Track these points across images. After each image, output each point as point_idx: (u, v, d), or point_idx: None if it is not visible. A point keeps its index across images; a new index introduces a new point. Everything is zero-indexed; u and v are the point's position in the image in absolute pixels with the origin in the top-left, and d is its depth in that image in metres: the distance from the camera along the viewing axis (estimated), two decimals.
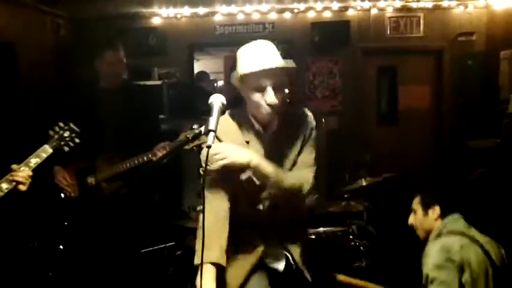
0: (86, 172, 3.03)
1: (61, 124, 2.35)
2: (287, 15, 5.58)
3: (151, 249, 3.59)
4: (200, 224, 1.75)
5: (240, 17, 5.56)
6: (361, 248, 3.38)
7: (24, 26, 4.37)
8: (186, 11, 5.47)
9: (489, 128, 5.12)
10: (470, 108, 5.57)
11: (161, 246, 3.56)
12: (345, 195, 3.74)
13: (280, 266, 2.03)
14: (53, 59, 4.91)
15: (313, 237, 3.21)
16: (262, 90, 1.83)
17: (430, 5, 5.53)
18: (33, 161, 2.19)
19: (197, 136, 2.03)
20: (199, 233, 1.79)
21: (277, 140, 1.97)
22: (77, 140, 2.36)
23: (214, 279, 1.79)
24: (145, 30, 5.52)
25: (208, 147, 1.58)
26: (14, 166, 2.15)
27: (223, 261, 1.84)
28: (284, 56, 1.91)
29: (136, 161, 2.88)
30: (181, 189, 4.89)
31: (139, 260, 3.38)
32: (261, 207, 1.98)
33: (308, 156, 2.00)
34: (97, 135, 2.89)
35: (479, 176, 4.04)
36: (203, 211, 1.70)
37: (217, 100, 1.70)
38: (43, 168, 2.23)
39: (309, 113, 2.04)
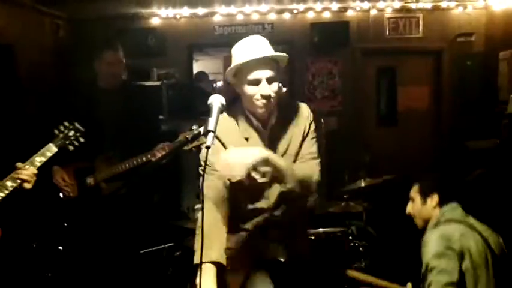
0: (85, 172, 3.02)
1: (66, 123, 2.37)
2: (286, 15, 5.58)
3: (150, 249, 3.60)
4: (199, 223, 1.75)
5: (240, 17, 5.56)
6: (361, 248, 3.38)
7: (23, 27, 4.37)
8: (185, 11, 5.47)
9: (488, 128, 5.13)
10: (470, 109, 5.57)
11: (160, 246, 3.56)
12: (344, 196, 3.74)
13: (281, 263, 2.03)
14: (52, 60, 4.91)
15: (313, 237, 3.21)
16: (256, 83, 1.85)
17: (429, 5, 5.54)
18: (38, 159, 2.20)
19: (196, 137, 2.03)
20: (198, 232, 1.80)
21: (277, 135, 1.98)
22: (81, 139, 2.37)
23: (215, 278, 1.80)
24: (145, 30, 5.52)
25: (208, 147, 1.57)
26: (19, 164, 2.15)
27: (223, 260, 1.85)
28: None
29: (135, 162, 2.88)
30: (180, 189, 4.89)
31: (138, 260, 3.38)
32: (262, 204, 1.98)
33: (311, 148, 2.02)
34: (96, 135, 2.89)
35: (478, 176, 4.04)
36: (202, 210, 1.71)
37: (216, 101, 1.70)
38: (42, 168, 2.23)
39: (304, 105, 2.06)
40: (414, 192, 2.40)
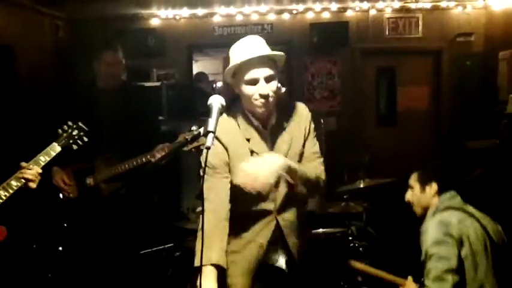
0: (84, 173, 3.02)
1: (70, 123, 2.37)
2: (286, 16, 5.58)
3: (150, 250, 3.59)
4: (201, 226, 1.74)
5: (239, 18, 5.56)
6: (360, 249, 3.38)
7: (22, 27, 4.36)
8: (185, 12, 5.47)
9: (488, 128, 5.13)
10: (469, 109, 5.58)
11: (160, 247, 3.56)
12: (344, 196, 3.74)
13: (282, 264, 2.03)
14: (52, 60, 4.91)
15: (313, 238, 3.21)
16: (254, 82, 1.85)
17: (428, 5, 5.54)
18: (42, 158, 2.20)
19: (196, 137, 2.03)
20: (199, 234, 1.79)
21: (278, 135, 1.98)
22: (85, 139, 2.38)
23: (216, 281, 1.79)
24: (144, 31, 5.51)
25: (208, 148, 1.57)
26: (23, 164, 2.15)
27: (223, 262, 1.84)
28: None
29: (135, 162, 2.88)
30: (180, 190, 4.89)
31: (138, 261, 3.37)
32: (268, 206, 1.98)
33: (314, 147, 2.04)
34: (96, 136, 2.88)
35: (478, 176, 4.05)
36: (203, 212, 1.70)
37: (216, 101, 1.70)
38: (42, 168, 2.23)
39: (302, 104, 2.06)
40: (413, 181, 2.41)
